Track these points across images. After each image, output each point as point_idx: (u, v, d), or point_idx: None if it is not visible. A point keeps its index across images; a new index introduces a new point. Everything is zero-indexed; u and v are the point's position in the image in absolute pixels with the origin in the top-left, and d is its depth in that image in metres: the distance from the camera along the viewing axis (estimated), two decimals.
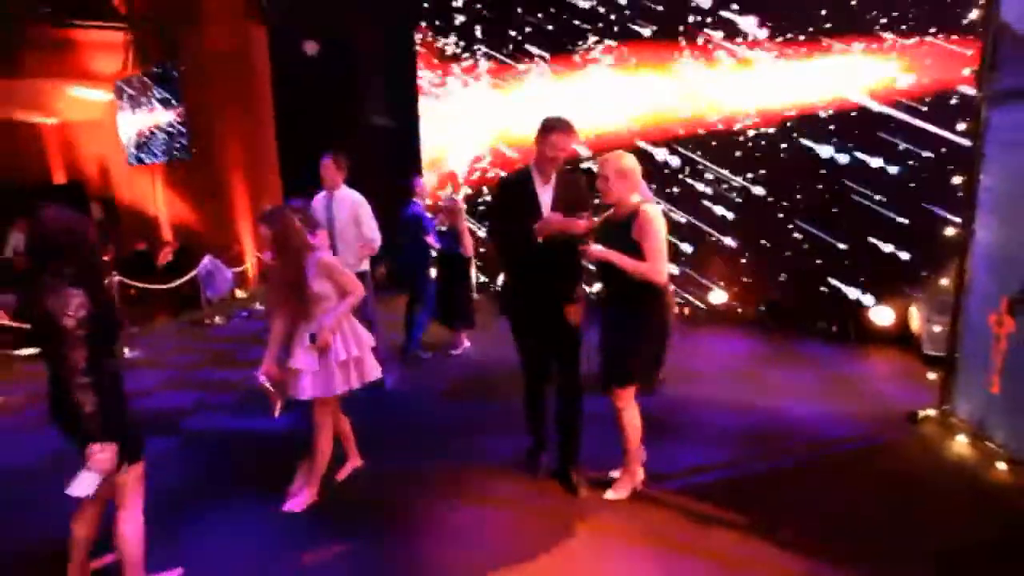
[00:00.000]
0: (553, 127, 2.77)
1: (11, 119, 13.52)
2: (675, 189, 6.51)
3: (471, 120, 8.04)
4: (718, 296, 6.51)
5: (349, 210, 4.12)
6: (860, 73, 5.42)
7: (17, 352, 5.72)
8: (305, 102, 9.62)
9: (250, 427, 3.89)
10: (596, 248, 2.64)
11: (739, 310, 6.40)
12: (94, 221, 2.41)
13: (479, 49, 7.83)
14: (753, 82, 5.97)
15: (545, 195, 2.87)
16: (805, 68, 5.69)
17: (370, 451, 3.34)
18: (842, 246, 5.68)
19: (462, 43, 7.99)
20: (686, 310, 6.60)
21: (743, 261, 6.33)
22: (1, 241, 10.54)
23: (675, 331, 2.88)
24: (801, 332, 5.79)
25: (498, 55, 7.67)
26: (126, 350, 5.89)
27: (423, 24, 8.34)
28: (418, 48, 8.47)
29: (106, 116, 12.31)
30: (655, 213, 2.65)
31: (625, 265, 2.59)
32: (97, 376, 2.01)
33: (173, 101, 10.53)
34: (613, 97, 6.83)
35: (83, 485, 1.99)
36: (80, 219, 2.18)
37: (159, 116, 10.80)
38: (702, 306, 6.55)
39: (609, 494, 2.91)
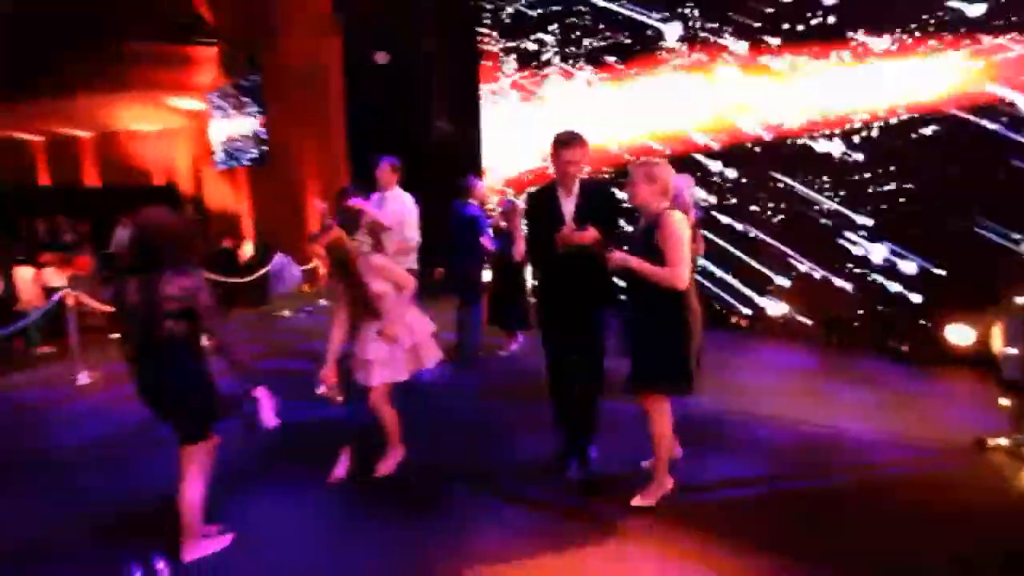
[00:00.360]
0: (562, 143, 2.92)
1: (117, 128, 14.99)
2: (732, 199, 6.34)
3: (533, 124, 8.13)
4: (777, 307, 6.26)
5: (398, 211, 4.37)
6: (946, 76, 5.04)
7: (111, 336, 6.37)
8: (374, 109, 10.07)
9: (302, 414, 4.13)
10: (618, 254, 2.68)
11: (799, 322, 6.13)
12: (190, 220, 2.75)
13: (545, 54, 7.94)
14: (830, 87, 5.70)
15: (568, 205, 2.99)
16: (880, 71, 5.38)
17: (404, 442, 3.46)
18: (918, 260, 5.30)
19: (528, 48, 8.13)
20: (742, 321, 6.39)
21: (804, 271, 6.05)
22: (108, 237, 11.68)
23: (701, 336, 2.85)
24: (867, 349, 5.47)
25: (564, 60, 7.75)
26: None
27: (487, 31, 8.55)
28: (481, 55, 8.68)
29: (199, 124, 13.40)
30: (678, 219, 2.67)
31: (645, 271, 2.62)
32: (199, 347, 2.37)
33: (256, 110, 11.33)
34: (681, 100, 6.68)
35: (269, 418, 2.52)
36: (178, 218, 2.50)
37: (243, 124, 11.65)
38: (758, 317, 6.32)
39: (636, 500, 2.90)
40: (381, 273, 3.07)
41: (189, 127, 14.11)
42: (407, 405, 3.80)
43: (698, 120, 6.55)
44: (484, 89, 8.73)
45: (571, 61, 7.56)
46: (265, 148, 11.40)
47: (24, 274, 7.00)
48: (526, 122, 8.25)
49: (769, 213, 6.13)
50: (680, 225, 2.65)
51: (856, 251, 5.59)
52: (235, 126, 11.86)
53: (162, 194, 14.53)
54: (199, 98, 12.42)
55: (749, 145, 6.19)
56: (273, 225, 11.30)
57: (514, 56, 8.19)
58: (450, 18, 9.33)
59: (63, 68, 12.78)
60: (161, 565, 2.45)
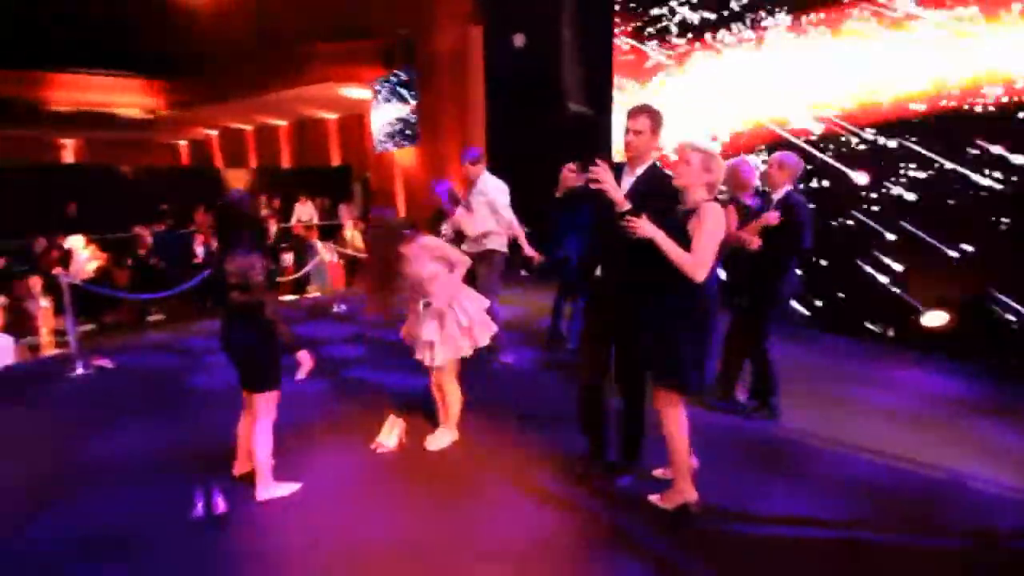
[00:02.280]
0: (628, 111, 2.72)
1: (303, 116, 17.24)
2: (903, 180, 5.32)
3: (673, 106, 7.58)
4: (936, 317, 5.18)
5: (486, 195, 4.58)
6: None
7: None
8: (511, 91, 10.26)
9: (390, 381, 4.48)
10: (644, 223, 2.45)
11: (967, 339, 5.00)
12: (258, 207, 3.16)
13: (687, 27, 7.37)
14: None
15: (626, 184, 2.74)
16: None
17: (462, 421, 3.54)
18: None
19: (668, 25, 7.60)
20: (889, 330, 5.42)
21: (975, 276, 4.90)
22: (288, 211, 13.60)
23: (714, 333, 2.60)
24: None
25: (710, 31, 7.13)
26: (336, 307, 7.23)
27: (624, 10, 8.13)
28: (616, 34, 8.30)
29: (365, 112, 14.86)
30: (718, 213, 2.46)
31: (667, 249, 2.43)
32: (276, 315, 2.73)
33: (409, 97, 12.23)
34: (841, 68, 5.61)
35: (303, 372, 2.85)
36: (249, 205, 2.88)
37: (399, 110, 12.66)
38: (910, 327, 5.28)
39: (654, 497, 2.73)
40: (433, 252, 3.16)
41: (358, 115, 15.71)
42: (476, 386, 3.88)
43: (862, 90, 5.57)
44: (619, 70, 8.35)
45: (715, 35, 6.89)
46: (414, 132, 12.30)
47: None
48: (662, 103, 7.74)
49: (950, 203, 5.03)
50: (719, 220, 2.45)
51: None
52: (392, 112, 12.93)
53: (339, 174, 16.50)
54: (366, 87, 13.73)
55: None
56: (420, 202, 12.20)
57: (651, 31, 7.70)
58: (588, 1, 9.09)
59: (267, 68, 15.04)
60: (220, 500, 2.87)
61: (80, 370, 4.89)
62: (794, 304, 5.98)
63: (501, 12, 10.17)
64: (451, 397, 3.41)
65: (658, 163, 2.83)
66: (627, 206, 2.51)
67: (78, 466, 3.31)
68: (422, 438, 3.47)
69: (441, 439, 3.45)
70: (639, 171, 2.75)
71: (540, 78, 9.76)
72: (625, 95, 8.23)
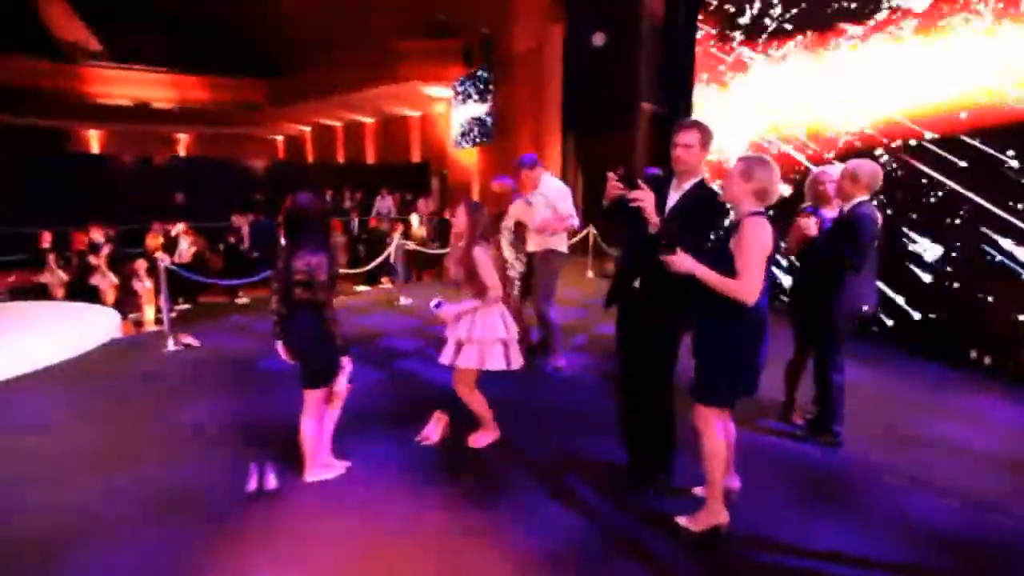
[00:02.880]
0: (678, 125, 2.65)
1: (388, 114, 17.91)
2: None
3: (752, 107, 7.23)
4: None
5: (547, 196, 4.60)
6: None
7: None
8: (588, 90, 10.16)
9: (442, 376, 4.57)
10: (682, 258, 2.36)
11: None
12: (327, 206, 3.28)
13: (774, 27, 6.99)
14: None
15: (672, 200, 2.67)
16: None
17: (506, 421, 3.58)
18: None
19: (752, 24, 7.24)
20: (986, 358, 4.87)
21: None
22: (370, 204, 14.23)
23: (762, 348, 2.44)
24: None
25: (801, 30, 6.73)
26: (403, 299, 7.50)
27: (708, 8, 7.82)
28: (700, 34, 8.00)
29: (446, 109, 15.23)
30: (760, 226, 2.31)
31: (711, 281, 2.33)
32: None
33: (487, 95, 12.40)
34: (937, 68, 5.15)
35: (345, 377, 3.02)
36: (318, 204, 3.00)
37: (477, 108, 12.87)
38: (1009, 355, 4.71)
39: (682, 519, 2.61)
40: (474, 267, 3.17)
41: (441, 112, 16.13)
42: (520, 389, 3.87)
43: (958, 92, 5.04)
44: (702, 70, 8.04)
45: (800, 34, 6.48)
46: (490, 130, 12.46)
47: None
48: (740, 105, 7.38)
49: None
50: (761, 233, 2.30)
51: None
52: (471, 110, 13.17)
53: (419, 170, 17.07)
54: (448, 86, 14.08)
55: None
56: (497, 197, 12.36)
57: (737, 33, 7.35)
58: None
59: (357, 66, 15.77)
60: (273, 477, 3.07)
61: (171, 347, 5.39)
62: (885, 322, 5.53)
63: (581, 10, 10.08)
64: (473, 404, 3.42)
65: (706, 178, 2.72)
66: (658, 228, 2.48)
67: (150, 437, 3.65)
68: (467, 434, 3.54)
69: (483, 437, 3.51)
70: (686, 186, 2.67)
71: (618, 78, 9.60)
72: (706, 96, 7.92)
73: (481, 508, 2.88)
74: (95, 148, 20.81)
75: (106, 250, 7.48)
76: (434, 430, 3.55)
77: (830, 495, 3.01)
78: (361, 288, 8.91)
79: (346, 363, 3.01)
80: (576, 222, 4.63)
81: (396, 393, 4.38)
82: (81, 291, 7.14)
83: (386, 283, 9.07)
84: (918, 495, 3.02)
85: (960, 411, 4.10)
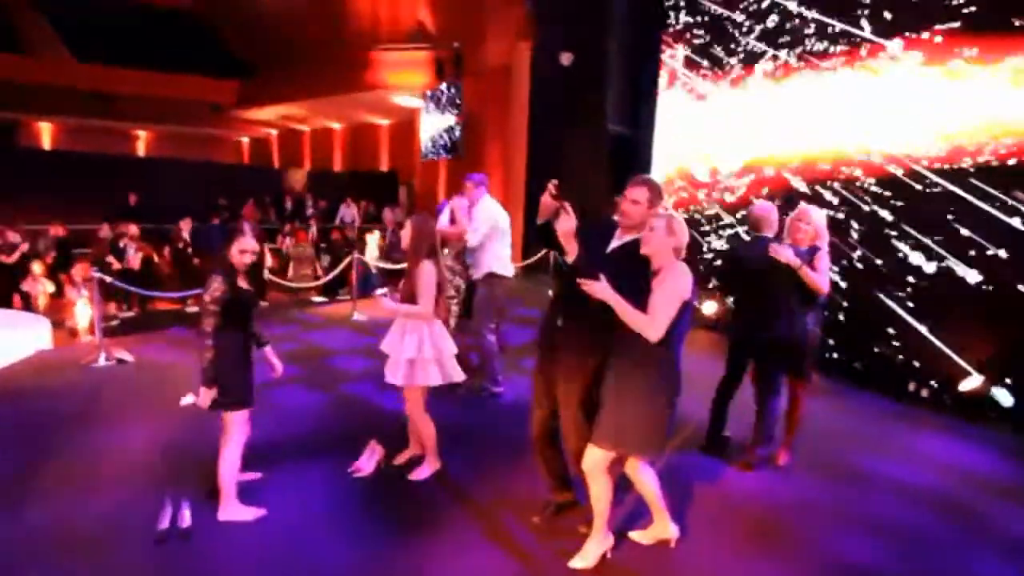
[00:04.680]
0: (632, 180, 2.65)
1: (357, 121, 17.72)
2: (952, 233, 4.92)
3: (716, 130, 7.31)
4: (971, 381, 4.72)
5: (484, 218, 4.62)
6: None
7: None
8: (554, 108, 10.20)
9: (389, 402, 4.44)
10: (600, 286, 2.36)
11: (998, 407, 4.54)
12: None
13: (740, 49, 7.12)
14: None
15: (614, 243, 2.67)
16: None
17: (449, 451, 3.49)
18: None
19: (714, 47, 7.36)
20: (923, 392, 4.99)
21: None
22: (334, 212, 13.98)
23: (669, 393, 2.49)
24: None
25: (771, 53, 6.86)
26: (357, 315, 7.32)
27: (671, 29, 7.92)
28: (663, 55, 8.09)
29: (414, 120, 15.13)
30: (685, 274, 2.44)
31: (622, 311, 2.39)
32: (218, 340, 2.73)
33: (456, 108, 12.36)
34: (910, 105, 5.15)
35: (187, 400, 2.84)
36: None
37: (445, 120, 12.81)
38: (946, 390, 4.83)
39: (575, 562, 2.61)
40: (419, 279, 3.16)
41: (407, 122, 16.02)
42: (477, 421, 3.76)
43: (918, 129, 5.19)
44: (662, 90, 8.13)
45: (760, 60, 6.61)
46: (458, 143, 12.42)
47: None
48: (700, 127, 7.48)
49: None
50: (681, 281, 2.41)
51: None
52: (440, 122, 13.09)
53: (387, 179, 16.86)
54: (418, 96, 13.98)
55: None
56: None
57: (698, 57, 7.47)
58: (635, 19, 8.96)
59: (328, 72, 15.55)
60: (188, 514, 2.89)
61: (102, 362, 5.12)
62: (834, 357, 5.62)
63: (550, 29, 10.14)
64: (424, 429, 3.35)
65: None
66: (575, 257, 2.49)
67: (64, 465, 3.42)
68: (405, 464, 3.42)
69: (423, 470, 3.40)
70: (627, 238, 2.64)
71: (583, 96, 9.66)
72: (668, 115, 8.02)
73: (409, 547, 2.76)
74: (46, 143, 19.98)
75: (21, 251, 7.39)
76: (368, 462, 3.43)
77: (767, 534, 2.98)
78: (319, 299, 8.69)
79: (204, 396, 2.82)
80: (470, 239, 4.57)
81: (337, 418, 4.23)
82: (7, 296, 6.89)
83: (345, 295, 8.88)
84: (857, 533, 3.02)
85: (890, 444, 4.16)
